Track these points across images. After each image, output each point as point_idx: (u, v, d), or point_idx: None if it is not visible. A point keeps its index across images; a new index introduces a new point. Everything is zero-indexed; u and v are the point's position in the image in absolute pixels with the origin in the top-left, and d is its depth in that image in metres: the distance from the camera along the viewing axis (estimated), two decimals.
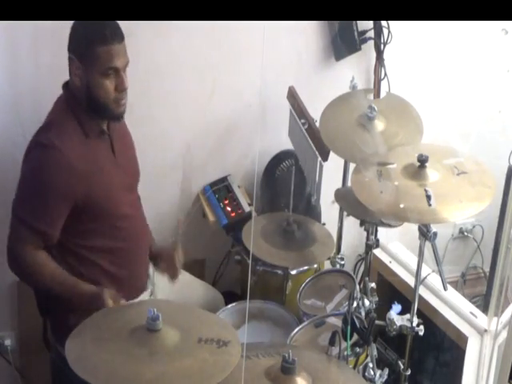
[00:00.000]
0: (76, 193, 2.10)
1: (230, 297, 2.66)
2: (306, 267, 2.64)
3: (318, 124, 2.56)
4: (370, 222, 2.53)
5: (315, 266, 2.67)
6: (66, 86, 2.20)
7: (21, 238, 2.10)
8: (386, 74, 2.95)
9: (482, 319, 2.61)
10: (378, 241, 2.68)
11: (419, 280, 2.28)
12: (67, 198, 2.10)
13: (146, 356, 1.62)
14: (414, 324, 2.27)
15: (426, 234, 2.16)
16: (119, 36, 2.08)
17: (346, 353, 2.08)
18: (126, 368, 1.60)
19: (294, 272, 2.63)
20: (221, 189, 2.90)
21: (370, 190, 2.20)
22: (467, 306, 2.69)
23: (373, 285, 2.62)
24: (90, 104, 2.13)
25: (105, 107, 2.12)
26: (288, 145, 2.85)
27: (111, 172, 2.21)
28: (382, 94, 2.91)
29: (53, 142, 2.08)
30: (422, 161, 2.17)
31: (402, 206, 2.10)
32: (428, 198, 2.09)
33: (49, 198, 2.09)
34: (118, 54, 2.08)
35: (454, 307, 2.67)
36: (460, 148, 2.43)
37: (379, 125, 2.46)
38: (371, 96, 2.75)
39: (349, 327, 2.07)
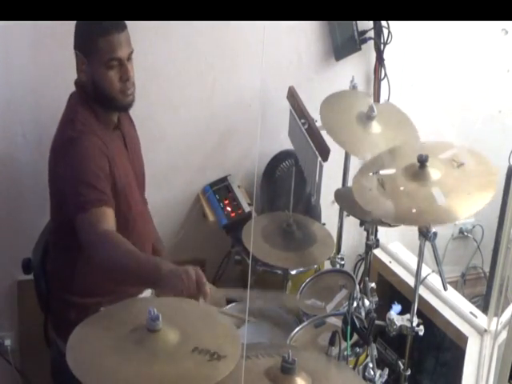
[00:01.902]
0: (110, 167, 2.12)
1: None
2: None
3: (317, 124, 2.56)
4: (370, 221, 2.53)
5: (315, 266, 2.67)
6: (76, 81, 2.21)
7: (97, 218, 2.01)
8: (386, 74, 2.96)
9: (481, 319, 2.61)
10: (378, 241, 2.68)
11: (419, 280, 2.28)
12: (107, 173, 2.10)
13: (143, 357, 1.61)
14: (414, 324, 2.27)
15: (426, 234, 2.15)
16: (120, 25, 2.09)
17: (346, 353, 2.08)
18: (124, 368, 1.59)
19: (293, 272, 2.62)
20: (221, 189, 2.90)
21: (376, 199, 2.16)
22: (467, 306, 2.69)
23: (373, 285, 2.61)
24: (97, 97, 2.14)
25: (111, 99, 2.14)
26: (288, 145, 2.85)
27: (127, 166, 2.23)
28: (382, 98, 2.92)
29: (82, 131, 2.09)
30: (423, 161, 2.16)
31: (414, 210, 2.06)
32: (437, 197, 2.07)
33: (95, 172, 2.07)
34: (119, 44, 2.09)
35: (454, 307, 2.67)
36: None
37: (377, 127, 2.47)
38: (371, 100, 2.76)
39: (349, 327, 2.07)
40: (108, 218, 2.03)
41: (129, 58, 2.14)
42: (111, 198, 2.07)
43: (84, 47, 2.10)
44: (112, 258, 1.95)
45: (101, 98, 2.14)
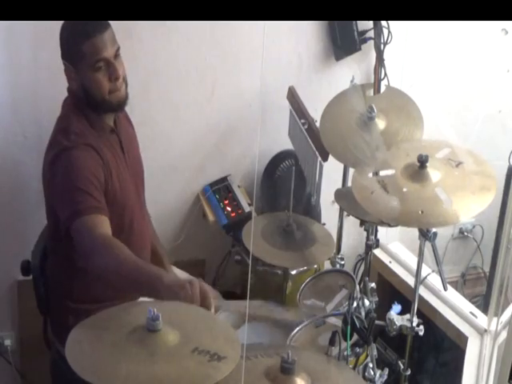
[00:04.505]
0: (105, 175, 2.11)
1: (229, 297, 2.65)
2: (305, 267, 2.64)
3: (317, 124, 2.56)
4: (370, 221, 2.53)
5: (315, 266, 2.67)
6: (68, 89, 2.21)
7: (91, 223, 1.98)
8: (386, 74, 2.95)
9: (481, 319, 2.61)
10: (378, 241, 2.68)
11: (419, 280, 2.28)
12: (101, 181, 2.09)
13: (143, 356, 1.62)
14: (414, 324, 2.27)
15: (425, 234, 2.15)
16: (102, 26, 2.07)
17: (346, 353, 2.08)
18: (125, 367, 1.59)
19: (293, 272, 2.62)
20: (221, 189, 2.90)
21: (379, 202, 2.15)
22: (467, 306, 2.69)
23: (373, 285, 2.61)
24: (89, 102, 2.14)
25: (103, 101, 2.12)
26: (288, 145, 2.85)
27: (123, 171, 2.22)
28: (382, 88, 2.90)
29: (76, 141, 2.09)
30: (423, 161, 2.15)
31: (420, 212, 2.03)
32: (443, 199, 2.05)
33: (90, 181, 2.06)
34: (103, 45, 2.07)
35: (454, 307, 2.67)
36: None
37: (379, 123, 2.45)
38: (371, 92, 2.75)
39: (349, 327, 2.07)
40: (104, 225, 2.00)
41: (116, 56, 2.11)
42: (106, 207, 2.06)
43: (70, 55, 2.10)
44: (110, 265, 1.91)
45: (92, 102, 2.13)
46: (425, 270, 2.33)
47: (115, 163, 2.18)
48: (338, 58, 2.95)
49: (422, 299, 2.51)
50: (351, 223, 2.82)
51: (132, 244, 2.23)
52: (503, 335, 2.34)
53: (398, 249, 3.03)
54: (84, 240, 1.98)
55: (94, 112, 2.16)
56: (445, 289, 2.36)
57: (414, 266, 2.31)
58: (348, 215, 2.72)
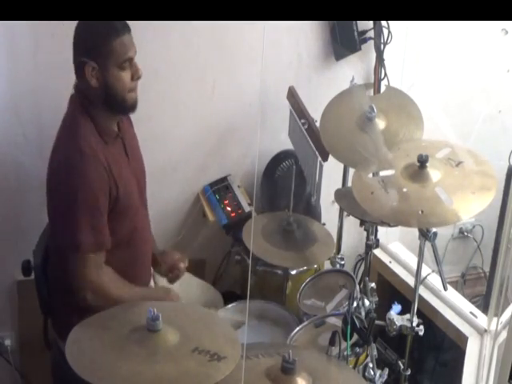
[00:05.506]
0: (110, 194, 2.12)
1: (229, 297, 2.66)
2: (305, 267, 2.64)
3: (317, 124, 2.56)
4: (370, 221, 2.53)
5: (315, 266, 2.67)
6: (77, 88, 2.17)
7: (90, 264, 2.08)
8: (386, 74, 2.95)
9: (481, 319, 2.61)
10: (378, 241, 2.68)
11: (419, 280, 2.28)
12: (106, 200, 2.11)
13: (144, 356, 1.62)
14: (414, 324, 2.27)
15: (425, 234, 2.15)
16: (127, 26, 2.11)
17: (346, 353, 2.08)
18: (125, 367, 1.60)
19: (293, 272, 2.62)
20: (221, 189, 2.90)
21: (379, 202, 2.15)
22: (467, 306, 2.69)
23: (373, 285, 2.62)
24: (107, 101, 2.12)
25: (122, 100, 2.13)
26: (288, 145, 2.85)
27: (127, 174, 2.22)
28: (382, 88, 2.90)
29: (84, 149, 2.08)
30: (423, 161, 2.15)
31: (420, 212, 2.04)
32: (443, 198, 2.05)
33: (96, 207, 2.08)
34: (130, 44, 2.11)
35: (454, 307, 2.67)
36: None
37: (380, 123, 2.45)
38: (371, 92, 2.74)
39: (349, 327, 2.07)
40: (100, 263, 2.11)
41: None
42: (107, 238, 2.11)
43: (95, 52, 2.08)
44: (102, 306, 2.02)
45: (112, 100, 2.12)
46: (425, 270, 2.34)
47: (119, 168, 2.17)
48: (338, 57, 2.95)
49: (422, 299, 2.51)
50: (351, 223, 2.82)
51: (135, 245, 2.24)
52: (503, 335, 2.34)
53: (398, 249, 3.03)
54: (78, 276, 2.09)
55: (106, 113, 2.14)
56: (445, 289, 2.36)
57: (414, 266, 2.31)
58: (348, 215, 2.72)
